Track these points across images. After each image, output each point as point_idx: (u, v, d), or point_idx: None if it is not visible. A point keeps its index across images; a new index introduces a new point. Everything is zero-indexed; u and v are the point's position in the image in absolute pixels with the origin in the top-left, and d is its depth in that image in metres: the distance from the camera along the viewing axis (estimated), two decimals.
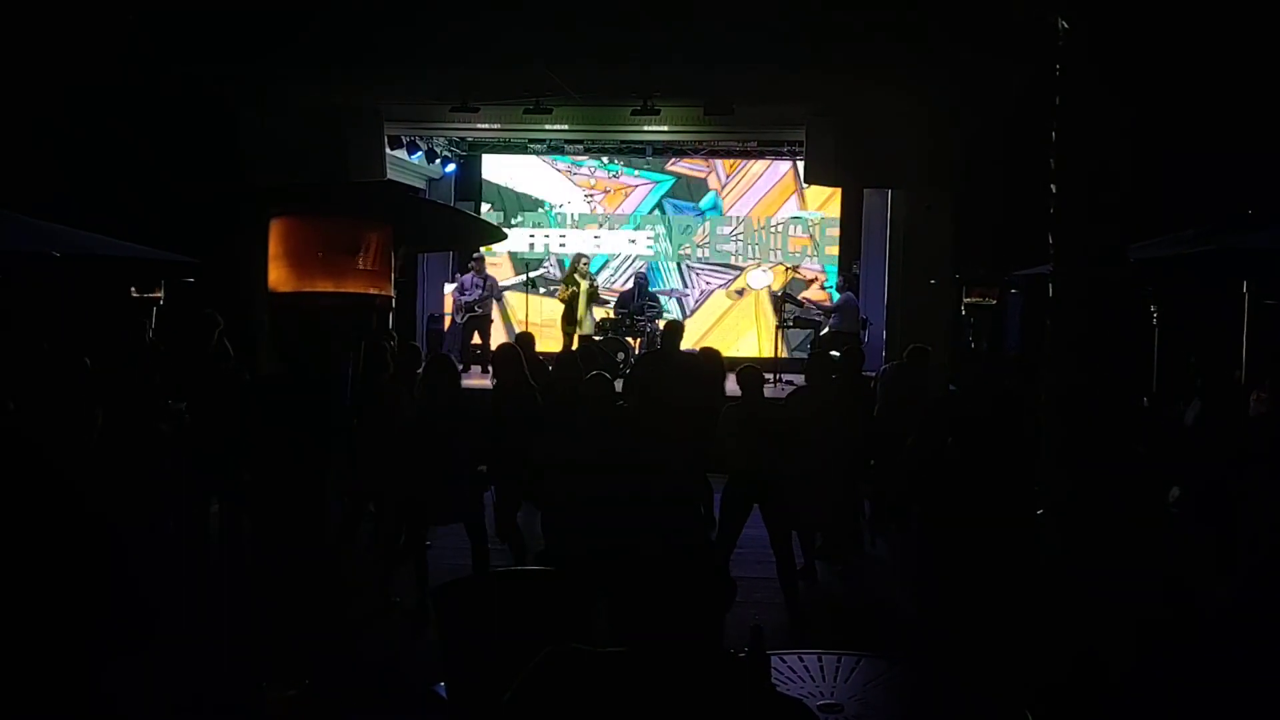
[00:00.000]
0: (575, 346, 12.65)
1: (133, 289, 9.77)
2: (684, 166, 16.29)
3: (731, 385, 7.61)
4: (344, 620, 4.74)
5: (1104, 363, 4.65)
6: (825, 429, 7.18)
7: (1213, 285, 9.63)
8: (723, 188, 16.37)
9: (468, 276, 14.21)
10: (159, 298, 9.76)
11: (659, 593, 2.13)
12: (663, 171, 16.28)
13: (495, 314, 14.79)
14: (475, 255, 14.41)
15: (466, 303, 13.97)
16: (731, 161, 16.16)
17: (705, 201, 16.31)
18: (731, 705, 2.09)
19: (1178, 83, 8.79)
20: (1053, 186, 4.42)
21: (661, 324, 13.99)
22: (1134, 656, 4.28)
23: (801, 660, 3.57)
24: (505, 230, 13.57)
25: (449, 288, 14.77)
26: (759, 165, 16.15)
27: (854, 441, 7.43)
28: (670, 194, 16.41)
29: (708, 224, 16.31)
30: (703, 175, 16.36)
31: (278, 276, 2.91)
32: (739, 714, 2.09)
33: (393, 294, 3.09)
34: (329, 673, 3.32)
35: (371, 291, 2.98)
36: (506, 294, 15.90)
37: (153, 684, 4.47)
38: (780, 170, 16.10)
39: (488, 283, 14.10)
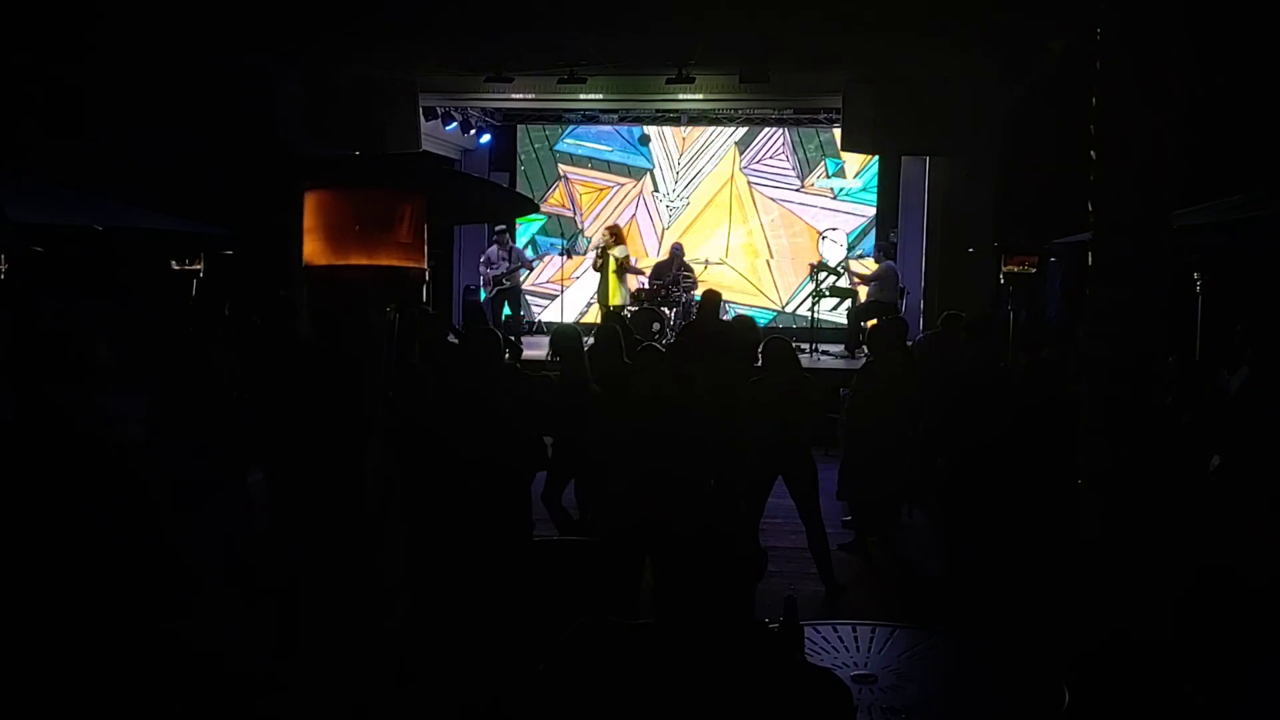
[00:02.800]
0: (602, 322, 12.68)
1: (173, 261, 9.86)
2: (549, 208, 16.50)
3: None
4: (382, 588, 4.80)
5: (1145, 331, 4.59)
6: (889, 405, 7.16)
7: (1260, 252, 9.46)
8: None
9: (492, 249, 14.25)
10: (199, 270, 9.84)
11: (691, 563, 2.13)
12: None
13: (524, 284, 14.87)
14: (499, 228, 14.45)
15: (494, 276, 14.01)
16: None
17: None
18: (763, 677, 2.10)
19: (1223, 45, 8.60)
20: (1092, 153, 4.35)
21: (698, 294, 14.03)
22: (1173, 628, 4.25)
23: (835, 631, 3.58)
24: (538, 203, 13.57)
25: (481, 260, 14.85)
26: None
27: (909, 416, 7.41)
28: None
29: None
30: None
31: (311, 249, 2.93)
32: (771, 686, 2.09)
33: (426, 267, 3.09)
34: (366, 641, 3.37)
35: (406, 264, 2.99)
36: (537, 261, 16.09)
37: (194, 651, 4.55)
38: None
39: (513, 255, 14.12)
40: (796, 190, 16.17)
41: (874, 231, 15.77)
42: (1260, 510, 5.23)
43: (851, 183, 16.12)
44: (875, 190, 15.93)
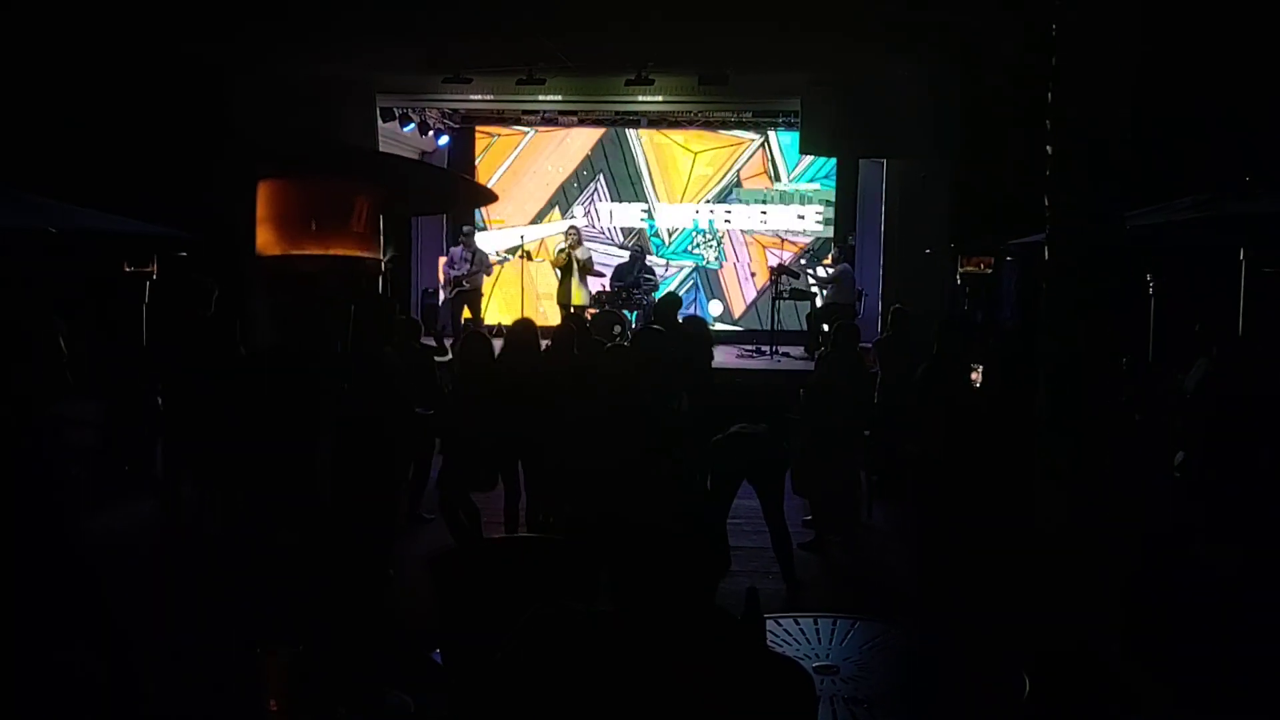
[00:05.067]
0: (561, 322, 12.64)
1: (125, 264, 9.69)
2: None
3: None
4: (339, 589, 4.74)
5: (1100, 328, 4.63)
6: (839, 400, 7.23)
7: (1210, 253, 9.59)
8: None
9: (456, 249, 14.11)
10: (152, 272, 9.68)
11: (655, 559, 2.10)
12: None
13: (485, 287, 14.68)
14: (465, 228, 14.33)
15: (455, 276, 13.87)
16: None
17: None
18: (725, 664, 2.07)
19: (1175, 48, 8.72)
20: (1048, 147, 4.39)
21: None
22: (1133, 621, 4.28)
23: (797, 623, 3.57)
24: (497, 193, 13.37)
25: (442, 260, 14.72)
26: None
27: (860, 411, 7.48)
28: None
29: None
30: None
31: (265, 239, 2.87)
32: (733, 673, 2.07)
33: (381, 258, 3.04)
34: (323, 639, 3.31)
35: (361, 255, 2.94)
36: (503, 265, 15.97)
37: (146, 654, 4.46)
38: None
39: (476, 256, 13.99)
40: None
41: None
42: (1222, 503, 5.30)
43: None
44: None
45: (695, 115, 15.35)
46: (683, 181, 16.37)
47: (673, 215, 16.47)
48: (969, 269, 10.56)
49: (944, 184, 12.29)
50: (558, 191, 16.49)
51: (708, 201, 16.34)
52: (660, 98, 13.35)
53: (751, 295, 16.33)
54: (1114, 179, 4.35)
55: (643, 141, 16.34)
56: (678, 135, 16.22)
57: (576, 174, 16.47)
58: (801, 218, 16.27)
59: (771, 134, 16.04)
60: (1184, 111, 9.56)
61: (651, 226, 16.26)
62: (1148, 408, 7.50)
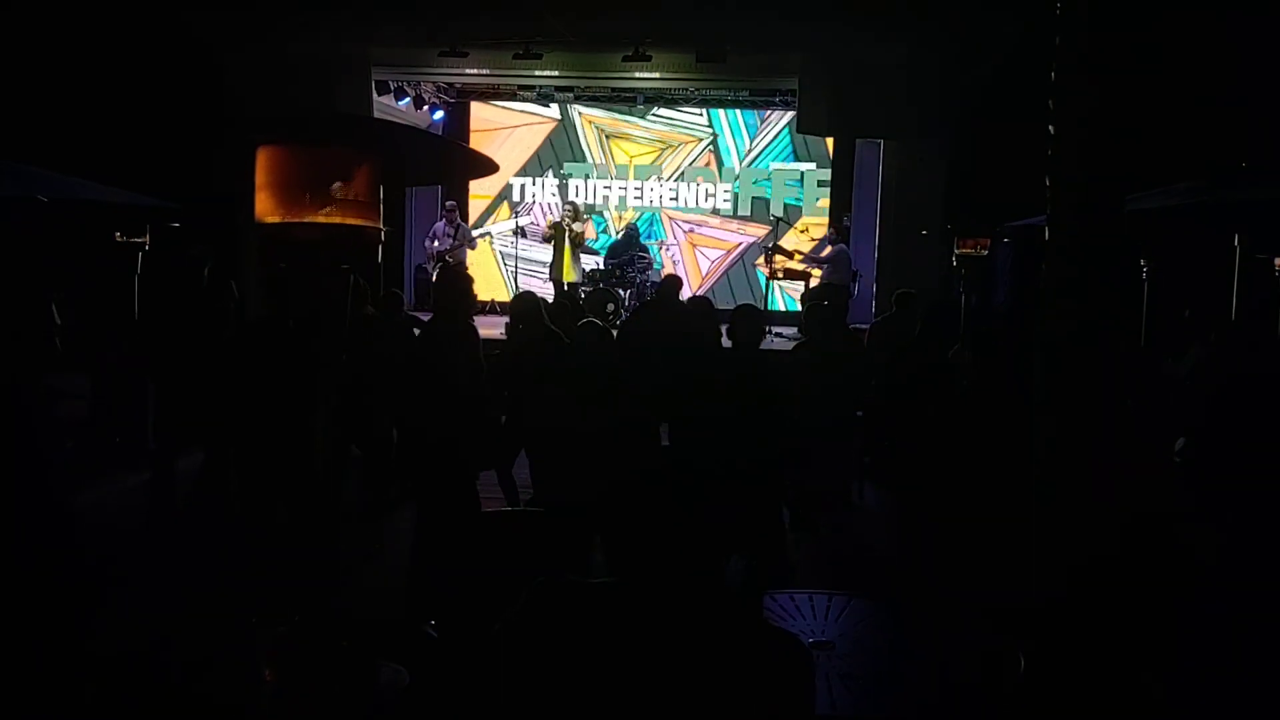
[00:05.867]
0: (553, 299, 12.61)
1: (117, 234, 9.63)
2: None
3: None
4: (335, 561, 4.74)
5: (1096, 312, 4.62)
6: (827, 383, 7.20)
7: (1204, 238, 9.60)
8: None
9: (439, 224, 14.04)
10: (144, 242, 9.62)
11: (655, 532, 2.09)
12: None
13: (469, 261, 14.65)
14: (448, 203, 14.29)
15: (438, 251, 13.81)
16: None
17: None
18: (725, 637, 2.07)
19: (1173, 35, 8.70)
20: (1051, 129, 4.36)
21: (652, 275, 14.02)
22: (1121, 599, 4.29)
23: (793, 599, 3.57)
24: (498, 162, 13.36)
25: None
26: None
27: (849, 395, 7.47)
28: None
29: None
30: None
31: (264, 207, 2.84)
32: (733, 646, 2.07)
33: (381, 227, 3.01)
34: (319, 611, 3.31)
35: (361, 223, 2.91)
36: (495, 241, 15.95)
37: (141, 626, 4.45)
38: None
39: (459, 231, 13.91)
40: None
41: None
42: (1221, 486, 5.31)
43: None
44: None
45: (692, 93, 15.28)
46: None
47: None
48: (964, 250, 10.55)
49: (940, 165, 12.28)
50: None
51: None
52: (657, 75, 13.27)
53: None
54: (1118, 161, 4.33)
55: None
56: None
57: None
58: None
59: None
60: (1182, 97, 9.55)
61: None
62: (1140, 393, 7.52)
